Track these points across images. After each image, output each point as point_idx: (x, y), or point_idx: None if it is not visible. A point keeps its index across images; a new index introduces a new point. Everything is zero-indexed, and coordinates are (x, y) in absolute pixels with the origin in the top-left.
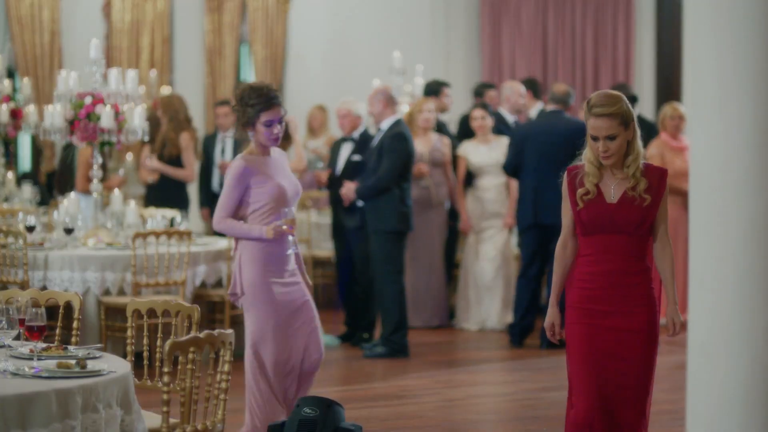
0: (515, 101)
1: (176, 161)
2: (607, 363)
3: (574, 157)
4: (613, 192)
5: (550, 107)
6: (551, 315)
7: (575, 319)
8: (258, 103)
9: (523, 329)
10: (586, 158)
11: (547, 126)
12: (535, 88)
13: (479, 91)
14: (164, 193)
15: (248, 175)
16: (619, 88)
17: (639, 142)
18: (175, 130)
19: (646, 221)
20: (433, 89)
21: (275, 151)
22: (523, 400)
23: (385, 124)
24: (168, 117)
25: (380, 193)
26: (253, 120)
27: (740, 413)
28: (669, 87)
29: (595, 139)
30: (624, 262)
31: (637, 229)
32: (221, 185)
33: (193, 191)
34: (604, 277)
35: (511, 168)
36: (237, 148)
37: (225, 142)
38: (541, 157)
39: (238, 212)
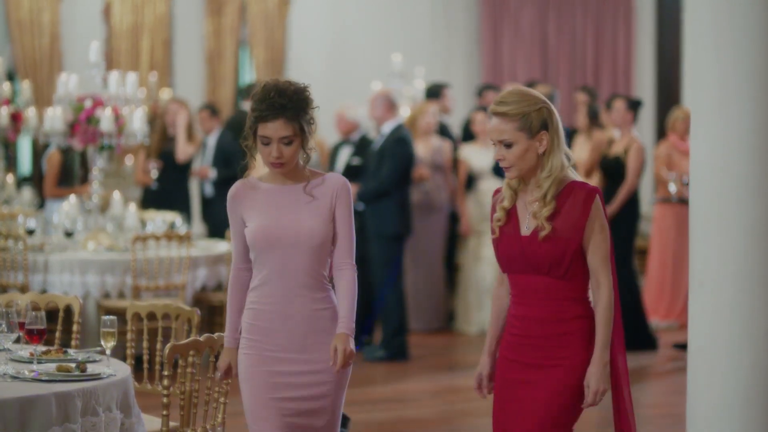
0: None
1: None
2: (511, 428)
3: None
4: (528, 221)
5: None
6: (480, 364)
7: (498, 373)
8: (254, 110)
9: None
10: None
11: None
12: None
13: (480, 93)
14: (164, 195)
15: (236, 204)
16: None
17: (561, 157)
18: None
19: (565, 259)
20: (434, 92)
21: (317, 180)
22: None
23: (387, 128)
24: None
25: (381, 197)
26: (253, 132)
27: (740, 416)
28: (669, 90)
29: (493, 143)
30: (553, 306)
31: (553, 270)
32: (204, 192)
33: (195, 194)
34: (534, 324)
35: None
36: (223, 155)
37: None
38: None
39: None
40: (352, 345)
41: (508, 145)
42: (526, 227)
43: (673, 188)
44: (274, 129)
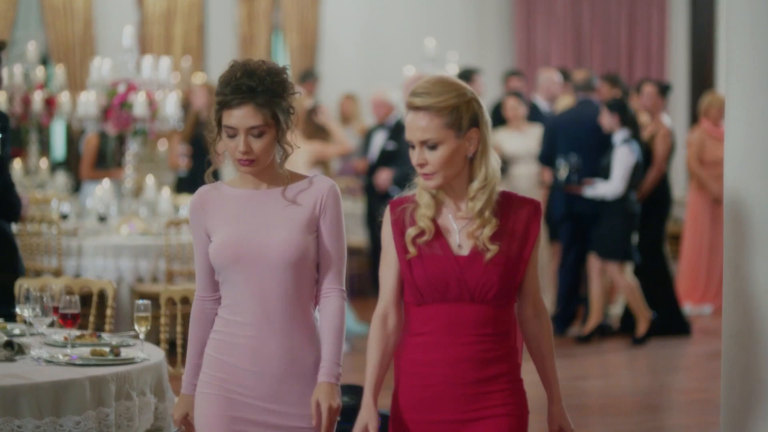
0: (549, 89)
1: None
2: None
3: (605, 145)
4: (459, 238)
5: (578, 96)
6: (364, 415)
7: None
8: (218, 94)
9: (565, 318)
10: (419, 183)
11: (576, 115)
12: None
13: (507, 78)
14: (197, 180)
15: (199, 215)
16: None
17: (491, 162)
18: None
19: (514, 283)
20: (464, 76)
21: (300, 184)
22: (560, 388)
23: None
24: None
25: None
26: (218, 122)
27: None
28: (703, 75)
29: (411, 146)
30: (479, 344)
31: (499, 297)
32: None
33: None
34: (449, 370)
35: (545, 158)
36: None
37: None
38: (573, 146)
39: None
40: (338, 398)
41: (433, 147)
42: (458, 246)
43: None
44: (240, 117)
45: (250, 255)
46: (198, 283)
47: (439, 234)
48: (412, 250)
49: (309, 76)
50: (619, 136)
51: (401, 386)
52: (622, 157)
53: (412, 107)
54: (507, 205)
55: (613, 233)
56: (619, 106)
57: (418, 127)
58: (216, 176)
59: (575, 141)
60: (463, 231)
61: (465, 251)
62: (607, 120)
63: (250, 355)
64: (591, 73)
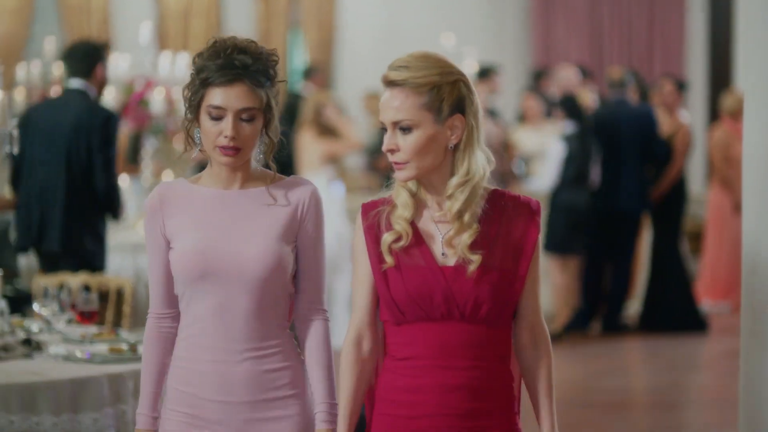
0: (567, 86)
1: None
2: None
3: (645, 147)
4: (443, 245)
5: (611, 94)
6: None
7: None
8: (201, 70)
9: (590, 314)
10: (397, 182)
11: (610, 114)
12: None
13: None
14: None
15: (157, 217)
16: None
17: (477, 156)
18: None
19: (511, 300)
20: (482, 73)
21: (277, 186)
22: (576, 385)
23: None
24: None
25: None
26: (197, 103)
27: None
28: (722, 72)
29: (383, 128)
30: (473, 369)
31: (494, 315)
32: None
33: None
34: (439, 399)
35: None
36: None
37: None
38: (608, 147)
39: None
40: None
41: (406, 130)
42: (442, 254)
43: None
44: (231, 96)
45: (218, 267)
46: (153, 298)
47: (420, 240)
48: (389, 259)
49: (313, 71)
50: (566, 129)
51: (378, 417)
52: (554, 153)
53: (387, 82)
54: (499, 207)
55: (555, 228)
56: (564, 101)
57: (390, 105)
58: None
59: (609, 141)
60: (446, 237)
61: (450, 261)
62: (558, 114)
63: (215, 384)
64: (626, 72)
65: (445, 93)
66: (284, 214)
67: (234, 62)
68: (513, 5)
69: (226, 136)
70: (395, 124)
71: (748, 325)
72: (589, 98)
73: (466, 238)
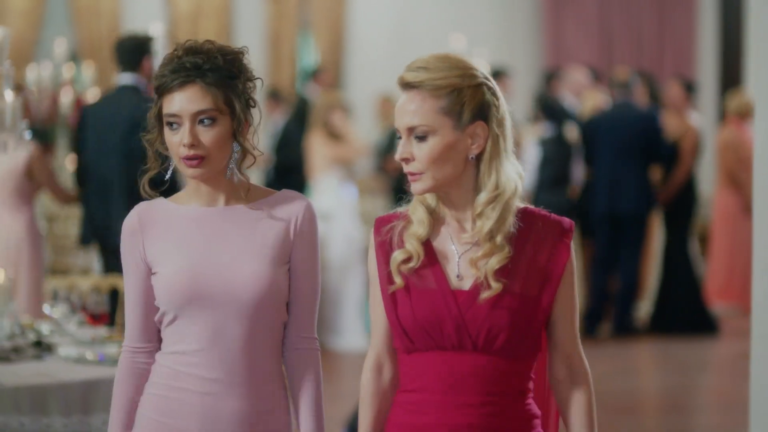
0: (577, 88)
1: None
2: None
3: (649, 149)
4: (459, 266)
5: (616, 96)
6: None
7: None
8: (156, 78)
9: (598, 316)
10: (414, 196)
11: (613, 117)
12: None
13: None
14: None
15: (137, 239)
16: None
17: (506, 168)
18: None
19: (531, 330)
20: (494, 76)
21: (266, 201)
22: None
23: None
24: None
25: None
26: (157, 115)
27: None
28: (732, 72)
29: (398, 136)
30: (486, 406)
31: (511, 347)
32: (268, 178)
33: (256, 181)
34: None
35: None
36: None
37: None
38: (613, 149)
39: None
40: None
41: (422, 137)
42: (456, 276)
43: None
44: (183, 101)
45: (207, 293)
46: (129, 330)
47: (433, 260)
48: (398, 280)
49: (319, 72)
50: (546, 132)
51: None
52: (529, 157)
53: (403, 84)
54: (527, 227)
55: None
56: (542, 103)
57: (406, 109)
58: (169, 188)
59: (616, 145)
60: (465, 257)
61: (466, 284)
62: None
63: (200, 418)
64: (631, 73)
65: (466, 97)
66: (276, 232)
67: (185, 64)
68: (523, 7)
69: (184, 144)
70: (411, 130)
71: (758, 327)
72: (599, 100)
73: (494, 262)
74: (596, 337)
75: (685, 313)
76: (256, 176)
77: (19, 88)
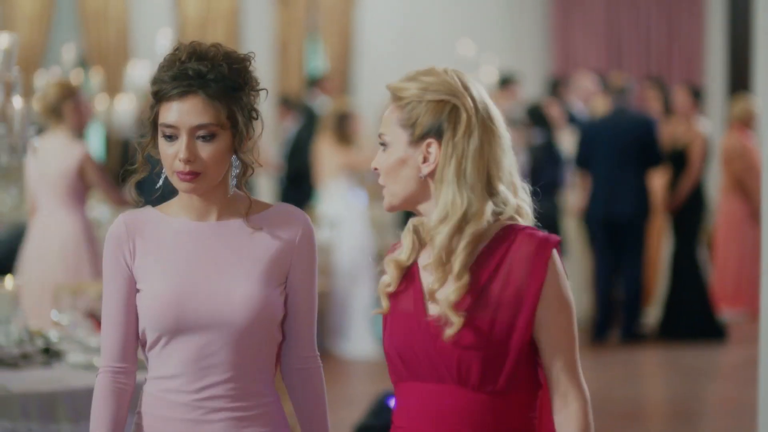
0: (584, 94)
1: None
2: None
3: (645, 154)
4: (427, 293)
5: (613, 102)
6: None
7: None
8: (154, 83)
9: (605, 324)
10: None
11: (610, 123)
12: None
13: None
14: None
15: (121, 251)
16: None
17: (458, 188)
18: None
19: (509, 361)
20: (503, 83)
21: (262, 216)
22: (593, 394)
23: None
24: None
25: None
26: (152, 122)
27: None
28: (741, 78)
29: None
30: None
31: (487, 381)
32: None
33: (263, 187)
34: None
35: (581, 162)
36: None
37: None
38: (610, 155)
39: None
40: None
41: (383, 146)
42: (433, 305)
43: None
44: (183, 112)
45: (196, 315)
46: (107, 348)
47: (417, 285)
48: (384, 304)
49: (322, 79)
50: (536, 139)
51: None
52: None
53: (390, 92)
54: (504, 248)
55: None
56: (531, 110)
57: (383, 117)
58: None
59: (613, 151)
60: (429, 288)
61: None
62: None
63: None
64: (627, 80)
65: (421, 111)
66: (272, 251)
67: (187, 71)
68: (531, 12)
69: (180, 159)
70: (380, 136)
71: (767, 333)
72: (608, 106)
73: (452, 294)
74: (604, 343)
75: (694, 320)
76: (267, 184)
77: (71, 91)
